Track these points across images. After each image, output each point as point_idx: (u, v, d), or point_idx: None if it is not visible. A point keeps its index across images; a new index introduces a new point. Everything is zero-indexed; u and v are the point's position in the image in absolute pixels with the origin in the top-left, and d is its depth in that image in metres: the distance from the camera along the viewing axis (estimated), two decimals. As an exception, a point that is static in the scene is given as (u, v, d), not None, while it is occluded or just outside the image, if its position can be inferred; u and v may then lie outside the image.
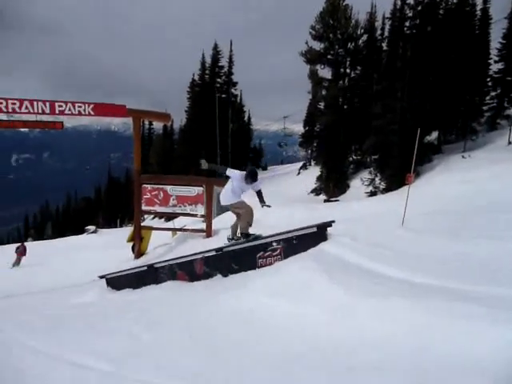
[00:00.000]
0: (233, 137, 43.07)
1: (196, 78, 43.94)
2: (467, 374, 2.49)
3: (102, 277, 8.86)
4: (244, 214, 7.30)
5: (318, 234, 5.32)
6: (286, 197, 24.96)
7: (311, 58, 28.24)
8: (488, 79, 24.06)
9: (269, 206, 7.47)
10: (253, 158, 55.27)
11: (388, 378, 2.66)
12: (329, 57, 28.17)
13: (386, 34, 28.19)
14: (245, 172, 7.10)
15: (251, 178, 6.95)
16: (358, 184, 23.88)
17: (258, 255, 5.79)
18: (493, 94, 24.23)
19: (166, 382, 3.07)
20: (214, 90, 41.02)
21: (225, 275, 6.08)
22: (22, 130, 13.43)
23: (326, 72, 28.69)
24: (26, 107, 11.32)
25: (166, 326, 4.39)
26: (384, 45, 28.60)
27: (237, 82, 45.45)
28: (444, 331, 2.95)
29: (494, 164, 15.53)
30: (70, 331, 4.78)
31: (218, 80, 43.82)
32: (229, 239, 7.50)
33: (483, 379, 2.40)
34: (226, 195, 7.36)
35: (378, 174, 22.02)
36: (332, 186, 26.78)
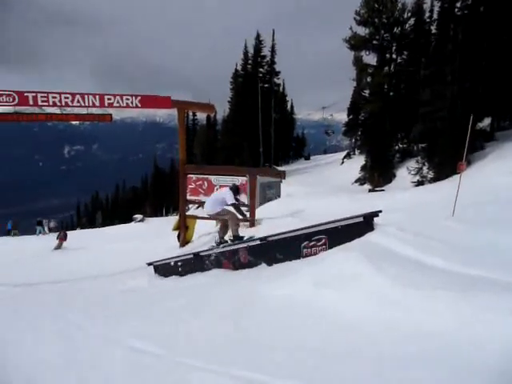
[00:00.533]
0: (275, 126, 42.96)
1: (239, 68, 44.08)
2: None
3: (150, 264, 9.15)
4: (231, 219, 8.17)
5: (365, 224, 5.24)
6: (329, 186, 24.70)
7: (355, 44, 27.57)
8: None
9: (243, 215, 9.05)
10: (295, 148, 54.94)
11: (434, 372, 2.60)
12: (374, 42, 27.39)
13: (435, 16, 27.02)
14: (227, 188, 8.54)
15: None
16: (404, 173, 23.19)
17: (303, 245, 5.78)
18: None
19: (211, 367, 3.15)
20: (256, 80, 41.00)
21: (269, 264, 6.12)
22: (74, 122, 13.95)
23: (370, 58, 27.96)
24: (78, 101, 11.76)
25: (212, 313, 4.49)
26: (433, 28, 27.42)
27: (279, 71, 45.19)
28: (492, 326, 2.84)
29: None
30: (123, 316, 4.99)
31: (261, 70, 43.74)
32: (217, 243, 8.29)
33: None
34: (211, 206, 8.44)
35: (426, 163, 21.27)
36: (377, 175, 26.18)
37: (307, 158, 52.06)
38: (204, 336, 3.81)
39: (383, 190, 22.18)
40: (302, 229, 5.90)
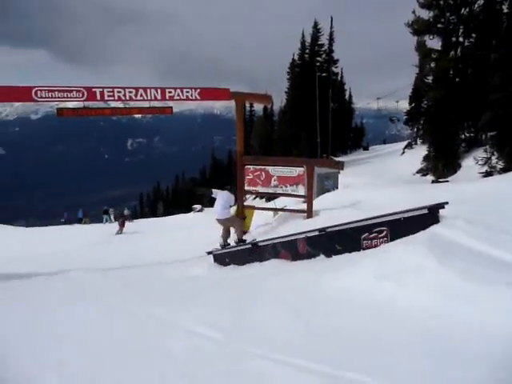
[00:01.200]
0: (333, 116, 42.20)
1: (296, 58, 43.69)
2: None
3: (209, 253, 9.37)
4: (237, 224, 9.89)
5: (429, 216, 5.02)
6: (389, 177, 23.99)
7: (419, 28, 26.31)
8: None
9: None
10: (354, 138, 53.79)
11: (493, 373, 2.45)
12: (439, 26, 25.98)
13: (509, -6, 25.14)
14: (226, 191, 10.10)
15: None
16: (471, 164, 21.97)
17: (363, 236, 5.65)
18: None
19: (271, 355, 3.17)
20: (313, 70, 40.47)
21: (328, 256, 6.05)
22: (136, 116, 14.51)
23: (435, 43, 26.55)
24: (141, 95, 12.19)
25: (271, 303, 4.52)
26: (504, 7, 25.54)
27: (337, 59, 44.37)
28: None
29: None
30: (184, 302, 5.15)
31: (318, 59, 43.12)
32: (221, 246, 9.53)
33: None
34: (222, 212, 9.88)
35: (495, 153, 20.01)
36: (441, 165, 25.00)
37: (366, 149, 50.81)
38: (264, 324, 3.85)
39: (447, 181, 21.16)
40: (363, 220, 5.77)
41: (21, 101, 11.59)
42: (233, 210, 16.67)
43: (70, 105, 13.61)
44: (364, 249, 5.62)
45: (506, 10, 24.13)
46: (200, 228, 19.07)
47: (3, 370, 3.44)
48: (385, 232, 5.42)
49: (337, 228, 6.14)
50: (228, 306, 4.58)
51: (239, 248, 8.70)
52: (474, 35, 26.54)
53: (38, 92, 10.79)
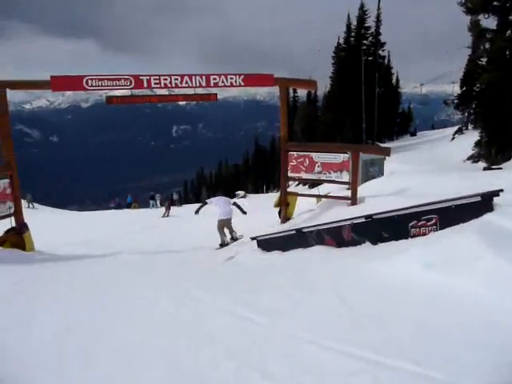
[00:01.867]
0: (379, 101, 41.01)
1: (341, 41, 42.68)
2: None
3: (253, 238, 9.46)
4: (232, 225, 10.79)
5: (482, 204, 4.81)
6: (438, 164, 23.17)
7: (473, 6, 24.86)
8: None
9: (245, 213, 11.69)
10: (400, 123, 52.15)
11: None
12: (495, 3, 24.48)
13: None
14: (223, 197, 11.32)
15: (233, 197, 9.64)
16: (528, 150, 20.82)
17: (411, 224, 5.51)
18: None
19: (316, 340, 3.19)
20: (359, 53, 39.39)
21: (374, 243, 5.96)
22: (181, 103, 14.74)
23: (490, 22, 25.07)
24: (186, 82, 12.34)
25: (315, 288, 4.53)
26: None
27: (385, 42, 42.89)
28: None
29: None
30: (229, 286, 5.25)
31: (365, 42, 41.86)
32: (221, 245, 10.29)
33: None
34: (230, 211, 10.99)
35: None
36: (494, 152, 23.79)
37: (413, 134, 49.13)
38: (309, 309, 3.87)
39: (501, 169, 20.14)
40: (411, 207, 5.62)
41: (73, 90, 12.07)
42: (276, 196, 16.70)
43: (118, 93, 14.00)
44: (412, 237, 5.49)
45: None
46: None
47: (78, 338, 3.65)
48: (434, 220, 5.26)
49: (384, 215, 6.02)
50: (274, 291, 4.63)
51: (283, 234, 8.72)
52: (534, 12, 24.88)
53: (89, 81, 11.18)
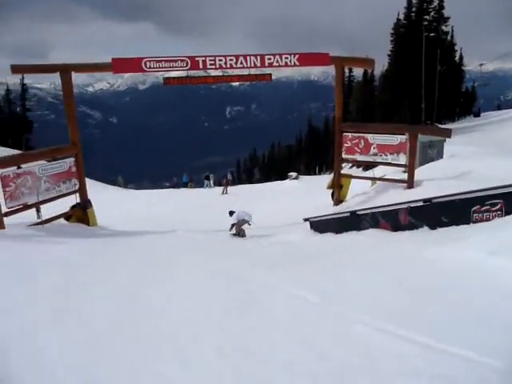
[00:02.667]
0: (440, 80, 38.89)
1: (401, 17, 40.73)
2: None
3: (306, 219, 9.44)
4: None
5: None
6: (504, 147, 21.79)
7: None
8: None
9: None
10: (463, 103, 49.36)
11: None
12: None
13: None
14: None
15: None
16: None
17: (473, 209, 5.27)
18: None
19: (373, 322, 3.16)
20: (420, 29, 37.39)
21: (432, 228, 5.77)
22: (234, 84, 14.79)
23: None
24: (241, 62, 12.35)
25: (370, 270, 4.47)
26: None
27: (448, 17, 40.34)
28: None
29: None
30: (283, 266, 5.30)
31: (426, 17, 39.63)
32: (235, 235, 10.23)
33: None
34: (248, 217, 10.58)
35: None
36: None
37: (477, 115, 46.33)
38: (363, 291, 3.84)
39: None
40: (474, 191, 5.36)
41: (132, 71, 12.45)
42: (329, 178, 16.49)
43: (173, 74, 14.26)
44: (474, 222, 5.25)
45: None
46: (296, 195, 19.23)
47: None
48: (499, 205, 5.00)
49: (444, 199, 5.79)
50: (327, 272, 4.63)
51: (337, 216, 8.63)
52: None
53: (147, 63, 11.48)
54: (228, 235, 10.06)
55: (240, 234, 10.39)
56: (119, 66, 11.41)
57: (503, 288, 3.43)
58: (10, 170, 8.96)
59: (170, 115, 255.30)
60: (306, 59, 12.80)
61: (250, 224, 10.53)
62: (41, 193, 9.65)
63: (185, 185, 33.42)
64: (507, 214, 4.88)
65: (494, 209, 5.05)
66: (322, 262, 5.21)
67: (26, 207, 9.34)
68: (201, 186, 32.68)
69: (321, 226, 8.86)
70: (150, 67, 11.53)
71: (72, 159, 11.08)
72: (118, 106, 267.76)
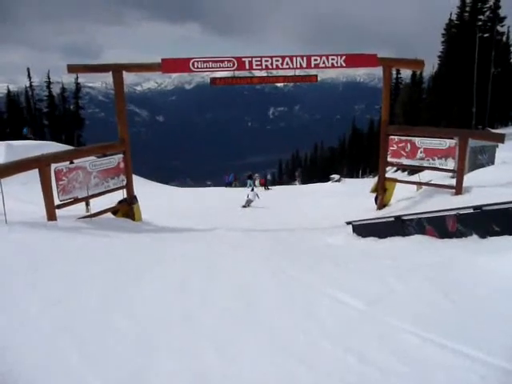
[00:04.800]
0: (494, 82, 37.24)
1: (453, 17, 39.34)
2: None
3: (348, 223, 9.30)
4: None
5: None
6: (562, 154, 20.60)
7: None
8: None
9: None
10: (518, 107, 47.02)
11: None
12: None
13: None
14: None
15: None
16: None
17: (528, 218, 5.02)
18: None
19: (417, 331, 3.09)
20: (474, 30, 35.95)
21: (482, 236, 5.53)
22: (278, 85, 14.82)
23: None
24: (287, 63, 12.32)
25: (415, 278, 4.35)
26: None
27: (505, 16, 38.54)
28: None
29: None
30: (326, 268, 5.26)
31: (481, 17, 38.03)
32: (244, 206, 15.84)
33: None
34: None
35: None
36: None
37: (532, 120, 44.05)
38: (408, 299, 3.75)
39: None
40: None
41: (181, 72, 12.71)
42: (373, 181, 16.18)
43: (219, 74, 14.47)
44: (528, 232, 5.01)
45: None
46: (338, 198, 19.01)
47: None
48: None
49: (497, 207, 5.54)
50: (370, 277, 4.54)
51: (380, 220, 8.46)
52: None
53: (195, 63, 11.71)
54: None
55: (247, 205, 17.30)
56: (168, 66, 11.71)
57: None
58: (63, 165, 9.39)
59: (214, 115, 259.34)
60: (354, 60, 12.61)
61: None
62: (90, 188, 10.06)
63: (229, 184, 33.84)
64: None
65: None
66: (368, 268, 5.11)
67: (77, 201, 9.77)
68: (244, 185, 32.91)
69: (364, 230, 8.70)
70: (197, 67, 11.75)
71: (121, 155, 11.47)
72: (164, 105, 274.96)
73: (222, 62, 12.04)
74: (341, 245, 7.80)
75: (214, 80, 12.56)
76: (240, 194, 24.71)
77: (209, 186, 39.45)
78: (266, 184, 29.84)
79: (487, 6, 38.07)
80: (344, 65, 12.57)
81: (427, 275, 4.35)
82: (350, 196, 18.94)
